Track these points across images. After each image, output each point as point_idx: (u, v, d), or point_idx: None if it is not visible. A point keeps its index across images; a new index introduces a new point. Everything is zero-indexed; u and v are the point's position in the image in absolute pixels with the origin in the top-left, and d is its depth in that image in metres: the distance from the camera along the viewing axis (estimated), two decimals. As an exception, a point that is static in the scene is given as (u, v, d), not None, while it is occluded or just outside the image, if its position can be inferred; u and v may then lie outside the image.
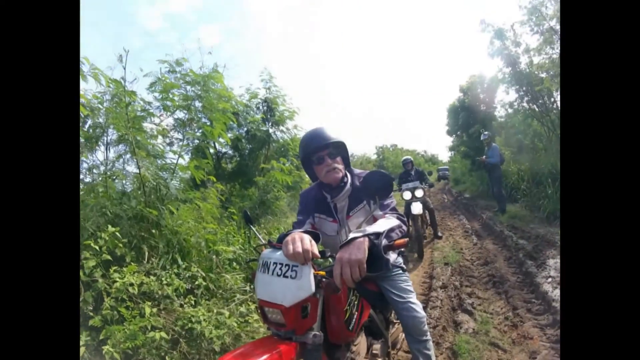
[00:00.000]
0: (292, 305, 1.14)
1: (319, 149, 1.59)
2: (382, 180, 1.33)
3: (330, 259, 1.54)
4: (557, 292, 3.12)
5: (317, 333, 1.20)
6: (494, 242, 5.64)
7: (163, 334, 2.03)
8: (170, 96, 3.68)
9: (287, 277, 1.16)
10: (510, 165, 9.46)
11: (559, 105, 8.64)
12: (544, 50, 8.19)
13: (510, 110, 11.28)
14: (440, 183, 21.94)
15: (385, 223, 1.40)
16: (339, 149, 1.66)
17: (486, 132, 7.69)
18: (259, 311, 1.26)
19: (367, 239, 1.21)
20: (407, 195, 5.67)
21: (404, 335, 2.20)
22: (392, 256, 1.85)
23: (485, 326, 2.81)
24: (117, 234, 2.42)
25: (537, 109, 9.20)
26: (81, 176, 3.07)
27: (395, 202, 1.66)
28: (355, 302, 1.53)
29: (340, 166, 1.64)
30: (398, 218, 1.51)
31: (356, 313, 1.52)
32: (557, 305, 2.84)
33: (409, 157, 6.69)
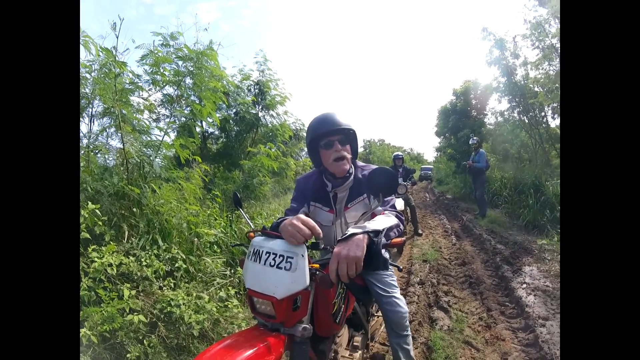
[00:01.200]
0: (284, 298, 1.10)
1: (329, 134, 1.52)
2: (389, 179, 1.29)
3: (322, 251, 1.51)
4: (531, 297, 3.23)
5: (307, 326, 1.18)
6: (473, 244, 5.77)
7: (142, 317, 1.98)
8: (161, 71, 3.54)
9: (280, 268, 1.12)
10: (494, 171, 9.71)
11: (549, 120, 8.88)
12: (542, 66, 8.37)
13: (500, 119, 11.59)
14: (424, 182, 22.18)
15: (385, 221, 1.37)
16: (350, 137, 1.59)
17: (475, 138, 7.80)
18: (246, 301, 1.22)
19: (366, 236, 1.18)
20: None
21: (382, 327, 2.24)
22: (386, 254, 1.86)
23: (459, 324, 2.88)
24: (97, 211, 2.33)
25: (527, 121, 9.45)
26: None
27: (395, 200, 1.64)
28: (343, 295, 1.52)
29: (349, 156, 1.59)
30: (397, 216, 1.49)
31: (343, 306, 1.51)
32: (530, 310, 2.93)
33: (400, 153, 6.71)
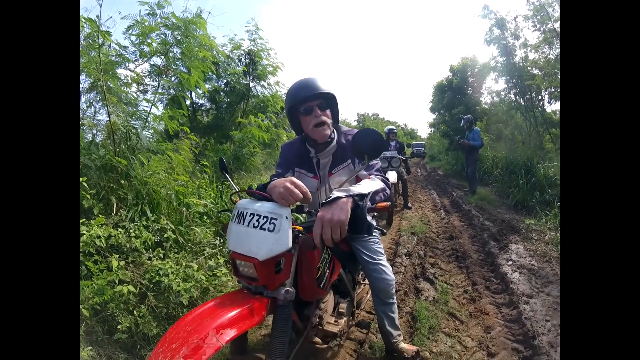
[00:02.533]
0: (266, 260, 1.10)
1: (308, 99, 1.49)
2: (375, 141, 1.23)
3: (306, 215, 1.51)
4: (516, 274, 3.31)
5: (290, 289, 1.19)
6: (461, 219, 5.87)
7: (131, 288, 1.99)
8: (148, 41, 3.41)
9: (264, 229, 1.11)
10: (487, 150, 9.74)
11: (545, 102, 8.86)
12: (542, 49, 8.26)
13: (496, 99, 11.51)
14: (416, 159, 22.23)
15: (370, 184, 1.36)
16: (330, 101, 1.56)
17: (466, 117, 7.75)
18: (230, 263, 1.22)
19: (350, 199, 1.18)
20: (384, 164, 5.76)
21: (368, 295, 2.28)
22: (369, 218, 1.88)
23: (444, 296, 2.96)
24: (85, 184, 2.29)
25: (522, 103, 9.43)
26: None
27: (380, 164, 1.63)
28: (328, 261, 1.52)
29: (329, 121, 1.56)
30: (382, 181, 1.48)
31: (327, 271, 1.52)
32: (515, 287, 3.01)
33: (393, 127, 6.72)
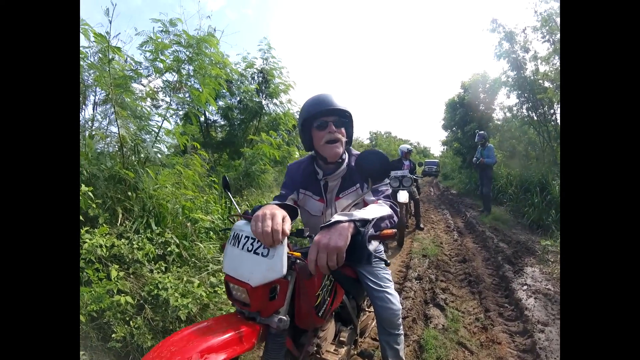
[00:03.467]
0: (260, 286, 1.05)
1: (324, 114, 1.43)
2: (379, 163, 1.14)
3: (308, 239, 1.41)
4: (531, 300, 3.14)
5: (284, 317, 1.12)
6: (475, 241, 5.69)
7: (129, 299, 1.97)
8: (162, 57, 3.50)
9: (257, 253, 1.06)
10: (500, 168, 9.52)
11: (557, 117, 8.68)
12: (552, 61, 8.14)
13: (508, 114, 11.32)
14: (429, 177, 21.62)
15: (376, 210, 1.27)
16: (345, 120, 1.50)
17: (481, 132, 7.62)
18: (225, 286, 1.18)
19: (352, 224, 1.09)
20: (395, 183, 5.66)
21: (373, 323, 2.17)
22: (374, 244, 1.79)
23: (455, 324, 2.81)
24: (91, 194, 2.31)
25: (535, 118, 9.22)
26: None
27: (390, 190, 1.53)
28: (329, 287, 1.44)
29: (343, 139, 1.49)
30: (391, 207, 1.39)
31: (328, 299, 1.43)
32: (529, 313, 2.85)
33: (409, 146, 6.60)
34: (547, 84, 8.35)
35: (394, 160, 6.29)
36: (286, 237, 1.07)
